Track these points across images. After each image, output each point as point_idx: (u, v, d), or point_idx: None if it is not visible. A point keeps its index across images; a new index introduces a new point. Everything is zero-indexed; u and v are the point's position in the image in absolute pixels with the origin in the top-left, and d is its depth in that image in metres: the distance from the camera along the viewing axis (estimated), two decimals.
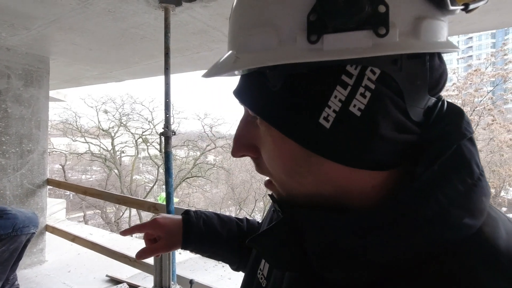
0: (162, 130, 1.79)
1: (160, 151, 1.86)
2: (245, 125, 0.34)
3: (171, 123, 1.82)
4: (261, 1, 0.28)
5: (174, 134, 1.77)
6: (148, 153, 13.59)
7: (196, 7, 1.76)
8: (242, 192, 13.82)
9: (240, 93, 0.32)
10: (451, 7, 0.26)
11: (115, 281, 2.71)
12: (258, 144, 0.33)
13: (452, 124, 0.29)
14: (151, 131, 13.35)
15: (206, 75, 0.33)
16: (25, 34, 2.33)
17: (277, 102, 0.28)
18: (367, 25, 0.24)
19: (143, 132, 13.43)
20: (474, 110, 12.36)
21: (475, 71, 13.02)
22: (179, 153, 13.66)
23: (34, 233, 1.67)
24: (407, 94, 0.26)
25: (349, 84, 0.26)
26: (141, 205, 2.64)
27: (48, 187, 3.12)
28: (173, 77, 1.81)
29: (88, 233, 3.97)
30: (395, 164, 0.28)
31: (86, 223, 11.09)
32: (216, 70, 0.32)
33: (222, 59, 0.32)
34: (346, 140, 0.27)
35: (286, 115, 0.28)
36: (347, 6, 0.24)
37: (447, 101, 0.31)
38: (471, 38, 37.99)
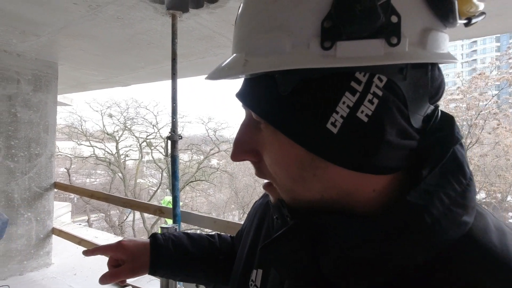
0: (169, 134, 1.81)
1: (166, 155, 1.88)
2: (247, 129, 0.34)
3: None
4: (274, 5, 0.28)
5: (181, 138, 1.79)
6: (152, 157, 13.65)
7: (202, 13, 1.79)
8: (245, 196, 13.80)
9: (245, 96, 0.32)
10: (458, 21, 0.27)
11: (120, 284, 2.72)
12: (260, 149, 0.33)
13: (447, 130, 0.30)
14: (155, 135, 13.43)
15: (211, 77, 0.32)
16: (35, 41, 2.38)
17: (285, 107, 0.28)
18: (380, 34, 0.25)
19: (147, 136, 13.51)
20: (479, 114, 12.25)
21: (479, 74, 12.93)
22: (182, 157, 13.69)
23: None
24: (410, 101, 0.27)
25: (358, 90, 0.26)
26: (147, 208, 2.66)
27: (54, 190, 3.16)
28: (177, 81, 1.84)
29: (93, 236, 4.00)
30: (397, 168, 0.29)
31: (90, 226, 11.14)
32: (223, 73, 0.31)
33: (228, 62, 0.32)
34: (353, 145, 0.27)
35: (294, 120, 0.28)
36: (364, 15, 0.24)
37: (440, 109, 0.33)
38: (475, 41, 37.83)
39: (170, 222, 2.51)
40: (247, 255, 0.47)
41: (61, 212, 4.86)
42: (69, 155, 13.17)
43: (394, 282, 0.27)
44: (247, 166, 14.07)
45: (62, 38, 2.31)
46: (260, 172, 0.34)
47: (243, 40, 0.31)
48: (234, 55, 0.32)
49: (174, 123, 1.80)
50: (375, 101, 0.26)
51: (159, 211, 2.37)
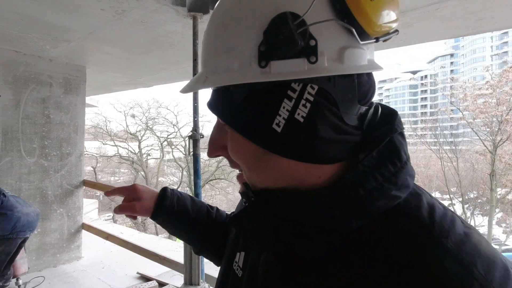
0: (190, 133, 1.86)
1: (188, 153, 1.94)
2: (217, 131, 0.41)
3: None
4: (225, 33, 0.36)
5: (202, 137, 1.83)
6: (173, 156, 13.98)
7: None
8: None
9: (212, 105, 0.39)
10: (361, 42, 0.33)
11: (145, 278, 2.83)
12: (227, 145, 0.40)
13: (388, 123, 0.37)
14: (176, 134, 13.75)
15: (183, 91, 0.41)
16: (66, 46, 2.52)
17: (239, 112, 0.36)
18: (302, 54, 0.32)
19: (168, 135, 13.85)
20: (510, 110, 11.58)
21: (511, 67, 12.22)
22: (202, 156, 13.91)
23: (28, 237, 1.69)
24: (340, 104, 0.34)
25: (293, 97, 0.33)
26: None
27: (83, 187, 3.32)
28: None
29: (119, 232, 4.17)
30: (342, 158, 0.36)
31: (115, 222, 11.59)
32: (190, 87, 0.40)
33: (194, 78, 0.40)
34: (294, 140, 0.34)
35: (247, 122, 0.35)
36: (285, 41, 0.31)
37: (383, 105, 0.40)
38: (506, 33, 35.66)
39: None
40: (233, 241, 0.54)
41: (89, 209, 5.10)
42: (95, 154, 13.75)
43: (335, 245, 0.34)
44: None
45: (90, 43, 2.43)
46: (232, 163, 0.42)
47: (205, 60, 0.39)
48: (201, 71, 0.40)
49: (196, 122, 1.85)
50: (308, 105, 0.33)
51: None
